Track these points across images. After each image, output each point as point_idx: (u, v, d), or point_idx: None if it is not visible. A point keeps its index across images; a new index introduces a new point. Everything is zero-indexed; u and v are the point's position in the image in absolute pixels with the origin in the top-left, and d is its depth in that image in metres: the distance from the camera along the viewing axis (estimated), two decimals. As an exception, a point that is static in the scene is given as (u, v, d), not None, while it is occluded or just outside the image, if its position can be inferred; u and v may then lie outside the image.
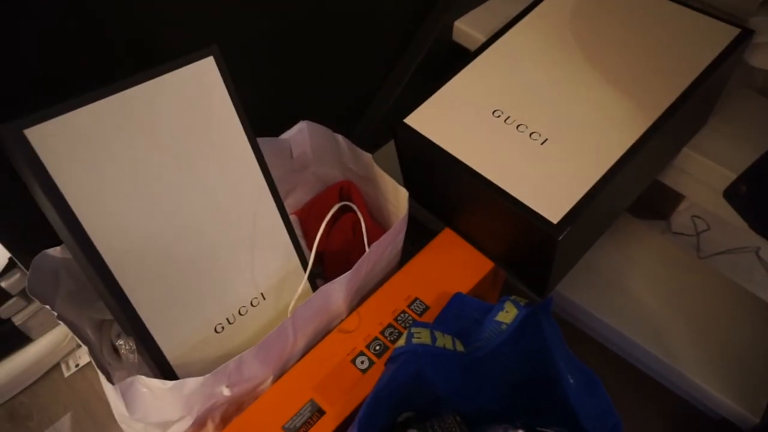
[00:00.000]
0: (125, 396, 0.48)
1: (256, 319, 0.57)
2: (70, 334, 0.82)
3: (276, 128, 0.71)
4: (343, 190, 0.78)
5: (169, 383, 0.47)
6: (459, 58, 0.67)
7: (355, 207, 0.66)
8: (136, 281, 0.47)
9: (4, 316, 0.73)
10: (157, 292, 0.49)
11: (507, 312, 0.60)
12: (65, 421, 0.80)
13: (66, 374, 0.83)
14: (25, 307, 0.75)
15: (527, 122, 0.59)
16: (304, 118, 0.72)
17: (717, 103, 0.73)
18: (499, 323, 0.60)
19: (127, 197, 0.47)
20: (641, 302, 0.77)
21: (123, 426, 0.59)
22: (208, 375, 0.48)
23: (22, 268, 0.69)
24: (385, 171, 0.67)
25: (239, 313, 0.55)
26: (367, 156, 0.68)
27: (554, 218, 0.52)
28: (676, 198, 1.05)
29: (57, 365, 0.84)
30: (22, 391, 0.82)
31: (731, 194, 0.60)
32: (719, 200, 0.68)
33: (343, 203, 0.66)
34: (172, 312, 0.50)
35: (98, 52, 0.52)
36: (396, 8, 0.85)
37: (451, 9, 0.85)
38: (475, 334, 0.61)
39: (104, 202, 0.46)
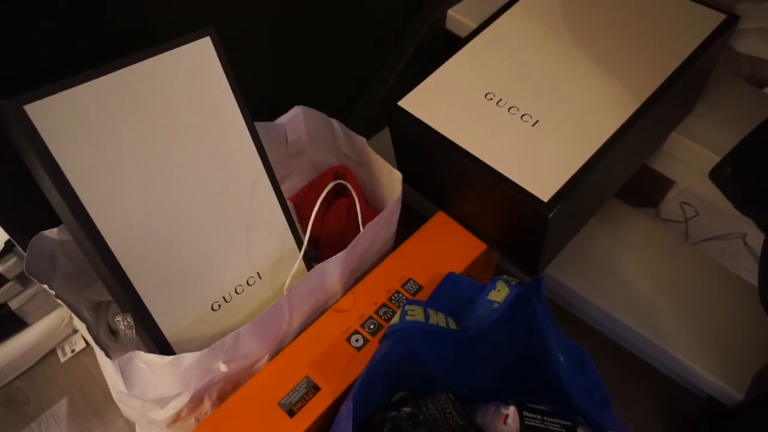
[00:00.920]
0: (123, 371, 0.49)
1: (252, 297, 0.57)
2: (66, 319, 0.83)
3: (272, 116, 0.72)
4: (338, 175, 0.79)
5: (167, 358, 0.48)
6: (452, 45, 0.68)
7: (349, 185, 0.67)
8: (134, 257, 0.48)
9: (1, 301, 0.74)
10: (155, 268, 0.50)
11: (499, 291, 0.61)
12: (62, 405, 0.80)
13: (62, 359, 0.84)
14: (22, 291, 0.75)
15: (519, 104, 0.60)
16: (300, 103, 0.72)
17: (704, 89, 0.75)
18: (491, 302, 0.61)
19: (126, 174, 0.48)
20: (631, 285, 0.78)
21: (121, 405, 0.60)
22: (205, 350, 0.49)
23: (20, 250, 0.70)
24: (380, 156, 0.68)
25: (236, 291, 0.56)
26: (361, 140, 0.69)
27: (545, 196, 0.53)
28: (665, 185, 1.06)
29: (53, 351, 0.85)
30: (18, 377, 0.82)
31: (717, 175, 0.61)
32: (707, 184, 0.70)
33: (337, 182, 0.66)
34: (169, 289, 0.51)
35: (98, 33, 0.53)
36: (390, -4, 0.86)
37: (444, -3, 0.86)
38: (468, 313, 0.62)
39: (104, 179, 0.46)
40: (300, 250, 0.61)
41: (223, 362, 0.52)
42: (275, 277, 0.59)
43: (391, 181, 0.68)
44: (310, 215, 0.80)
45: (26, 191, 0.53)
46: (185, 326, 0.53)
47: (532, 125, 0.59)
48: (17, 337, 0.79)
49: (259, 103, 0.69)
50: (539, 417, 0.61)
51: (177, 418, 0.56)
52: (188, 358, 0.49)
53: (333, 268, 0.58)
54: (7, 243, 0.71)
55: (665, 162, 0.77)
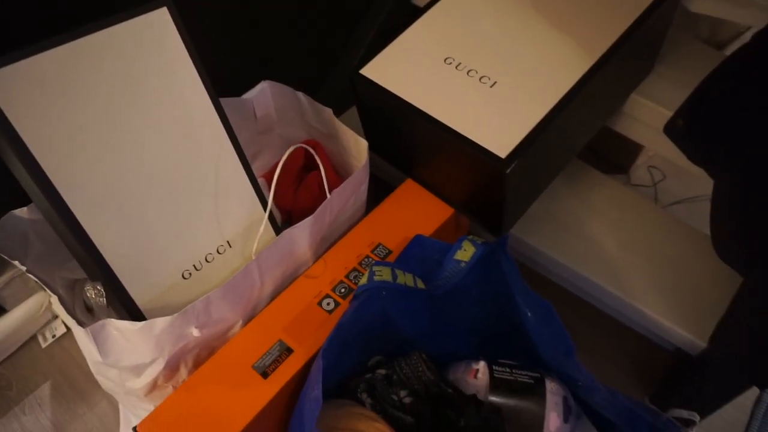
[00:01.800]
0: (97, 339, 0.50)
1: (223, 266, 0.59)
2: (45, 304, 0.83)
3: (241, 93, 0.72)
4: (308, 151, 0.80)
5: (139, 324, 0.49)
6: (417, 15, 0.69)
7: (316, 156, 0.68)
8: (101, 226, 0.49)
9: (-23, 287, 0.74)
10: (123, 237, 0.51)
11: (465, 250, 0.63)
12: (45, 389, 0.81)
13: (43, 345, 0.85)
14: (-2, 277, 0.76)
15: (477, 67, 0.61)
16: (271, 79, 0.73)
17: (663, 51, 0.77)
18: (458, 261, 0.63)
19: (87, 143, 0.48)
20: (600, 245, 0.80)
21: (99, 378, 0.61)
22: (176, 315, 0.50)
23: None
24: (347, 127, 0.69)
25: (206, 260, 0.57)
26: (328, 111, 0.70)
27: (502, 153, 0.55)
28: (633, 151, 1.09)
29: (34, 337, 0.85)
30: (0, 363, 0.83)
31: (670, 129, 0.63)
32: (668, 143, 0.72)
33: (298, 146, 0.67)
34: (138, 257, 0.52)
35: (54, 3, 0.53)
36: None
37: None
38: (436, 273, 0.64)
39: (65, 147, 0.47)
40: (270, 218, 0.62)
41: (196, 327, 0.53)
42: (245, 246, 0.60)
43: (358, 150, 0.69)
44: (283, 191, 0.82)
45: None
46: (157, 294, 0.54)
47: (490, 87, 0.60)
48: (-4, 324, 0.79)
49: (227, 79, 0.70)
50: (508, 370, 0.63)
51: (154, 386, 0.57)
52: (160, 323, 0.50)
53: (301, 234, 0.59)
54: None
55: (627, 123, 0.79)
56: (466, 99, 0.60)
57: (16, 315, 0.80)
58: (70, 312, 0.54)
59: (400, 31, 0.66)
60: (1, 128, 0.44)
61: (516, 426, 0.60)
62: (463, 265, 0.63)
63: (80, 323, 0.62)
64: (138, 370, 0.54)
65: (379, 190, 0.72)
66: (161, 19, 0.51)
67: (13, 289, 0.78)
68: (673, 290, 0.75)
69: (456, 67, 0.62)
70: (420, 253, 0.65)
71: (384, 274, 0.58)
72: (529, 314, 0.64)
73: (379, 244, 0.66)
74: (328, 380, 0.60)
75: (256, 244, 0.59)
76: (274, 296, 0.61)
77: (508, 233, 0.65)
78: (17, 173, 0.50)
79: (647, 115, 0.75)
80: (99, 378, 0.60)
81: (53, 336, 0.85)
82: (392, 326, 0.66)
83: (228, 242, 0.59)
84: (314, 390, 0.50)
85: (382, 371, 0.65)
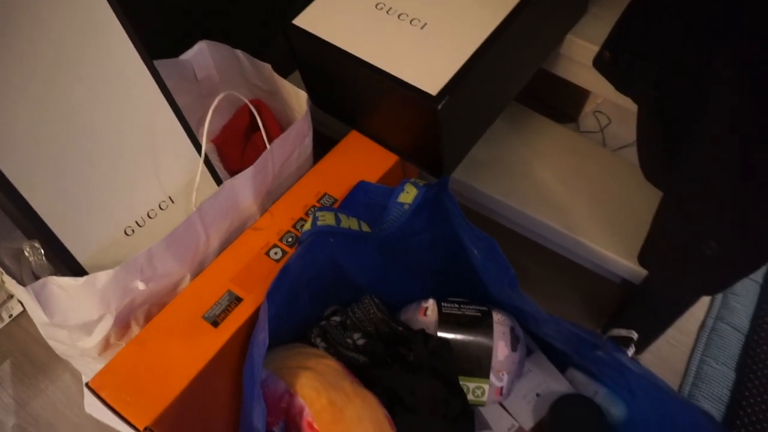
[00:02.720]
0: (39, 298, 0.50)
1: (166, 222, 0.59)
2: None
3: (176, 52, 0.72)
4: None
5: (81, 279, 0.49)
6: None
7: (255, 112, 0.68)
8: (31, 181, 0.48)
9: (-77, 268, 0.73)
10: (58, 194, 0.50)
11: (407, 192, 0.64)
12: (5, 368, 0.81)
13: (0, 326, 0.84)
14: (-56, 257, 0.75)
15: (407, 10, 0.62)
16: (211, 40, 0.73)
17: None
18: (401, 204, 0.64)
19: (11, 100, 0.48)
20: (546, 186, 0.83)
21: (51, 342, 0.61)
22: (118, 267, 0.50)
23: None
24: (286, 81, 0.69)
25: (148, 216, 0.57)
26: (267, 66, 0.70)
27: (433, 90, 0.56)
28: (581, 100, 1.11)
29: (-10, 318, 0.84)
30: (-43, 346, 0.82)
31: (598, 62, 0.65)
32: (606, 82, 0.74)
33: (245, 102, 0.67)
34: (75, 213, 0.52)
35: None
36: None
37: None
38: (381, 218, 0.65)
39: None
40: (211, 174, 0.62)
41: (141, 281, 0.53)
42: (188, 201, 0.61)
43: (299, 103, 0.70)
44: (232, 155, 0.82)
45: None
46: (98, 251, 0.54)
47: (421, 28, 0.61)
48: (-52, 306, 0.78)
49: (168, 42, 0.69)
50: (456, 305, 0.65)
51: (107, 345, 0.58)
52: (102, 277, 0.50)
53: (244, 185, 0.60)
54: None
55: (565, 65, 0.80)
56: (398, 42, 0.60)
57: (-32, 296, 0.80)
58: (8, 269, 0.54)
59: (331, -20, 0.66)
60: None
61: (466, 358, 0.62)
62: (406, 207, 0.64)
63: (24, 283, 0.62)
64: (87, 328, 0.55)
65: (327, 148, 0.73)
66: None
67: (-39, 270, 0.77)
68: (617, 223, 0.78)
69: (387, 12, 0.63)
70: (365, 200, 0.66)
71: (327, 218, 0.59)
72: (475, 252, 0.66)
73: (325, 194, 0.66)
74: (281, 328, 0.62)
75: (194, 194, 0.59)
76: (221, 250, 0.62)
77: (449, 175, 0.66)
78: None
79: (583, 56, 0.76)
80: (51, 342, 0.60)
81: (10, 316, 0.84)
82: (343, 275, 0.67)
83: (170, 198, 0.59)
84: (261, 333, 0.51)
85: (336, 318, 0.67)
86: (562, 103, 1.10)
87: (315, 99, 0.74)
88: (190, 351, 0.54)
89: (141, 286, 0.53)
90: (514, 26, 0.60)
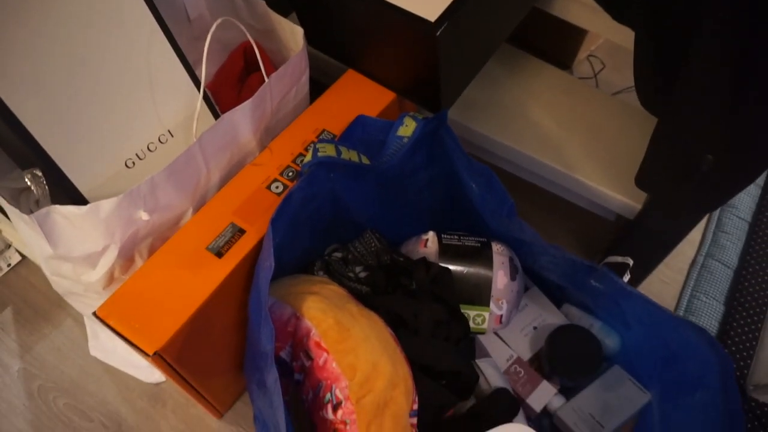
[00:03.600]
0: (43, 227, 0.50)
1: (167, 155, 0.59)
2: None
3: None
4: (247, 52, 0.79)
5: (85, 207, 0.49)
6: None
7: (257, 52, 0.68)
8: (31, 110, 0.48)
9: None
10: (56, 122, 0.50)
11: (406, 126, 0.64)
12: (7, 314, 0.81)
13: (-1, 274, 0.84)
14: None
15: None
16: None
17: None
18: (401, 137, 0.64)
19: (11, 31, 0.47)
20: (541, 125, 0.83)
21: (54, 279, 0.61)
22: (121, 195, 0.50)
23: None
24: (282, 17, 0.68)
25: (148, 149, 0.57)
26: (261, 4, 0.69)
27: (431, 17, 0.55)
28: (575, 46, 1.11)
29: (-12, 268, 0.84)
30: (-44, 295, 0.82)
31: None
32: (600, 20, 0.74)
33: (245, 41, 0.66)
34: (75, 143, 0.51)
35: None
36: None
37: None
38: (381, 152, 0.65)
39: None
40: (210, 108, 0.62)
41: (144, 210, 0.53)
42: (188, 135, 0.60)
43: (295, 41, 0.69)
44: (227, 99, 0.81)
45: None
46: (100, 183, 0.54)
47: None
48: (-54, 253, 0.78)
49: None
50: (456, 237, 0.66)
51: (111, 278, 0.58)
52: (106, 205, 0.50)
53: (242, 118, 0.59)
54: None
55: (559, 3, 0.80)
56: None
57: (-34, 244, 0.79)
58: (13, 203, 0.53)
59: None
60: None
61: (466, 288, 0.64)
62: (405, 140, 0.64)
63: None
64: (91, 260, 0.55)
65: (318, 91, 0.73)
66: None
67: (-42, 217, 0.76)
68: (611, 160, 0.79)
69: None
70: (363, 134, 0.66)
71: (328, 150, 0.59)
72: (473, 185, 0.67)
73: (324, 130, 0.66)
74: (284, 262, 0.62)
75: (195, 125, 0.59)
76: (222, 185, 0.62)
77: (448, 108, 0.66)
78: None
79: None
80: (54, 279, 0.61)
81: (8, 265, 0.84)
82: (344, 210, 0.68)
83: (169, 131, 0.59)
84: (267, 260, 0.52)
85: (338, 254, 0.67)
86: (556, 50, 1.10)
87: (311, 38, 0.73)
88: (196, 280, 0.55)
89: (144, 216, 0.54)
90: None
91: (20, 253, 0.85)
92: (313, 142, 0.65)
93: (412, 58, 0.62)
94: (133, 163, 0.56)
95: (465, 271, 0.63)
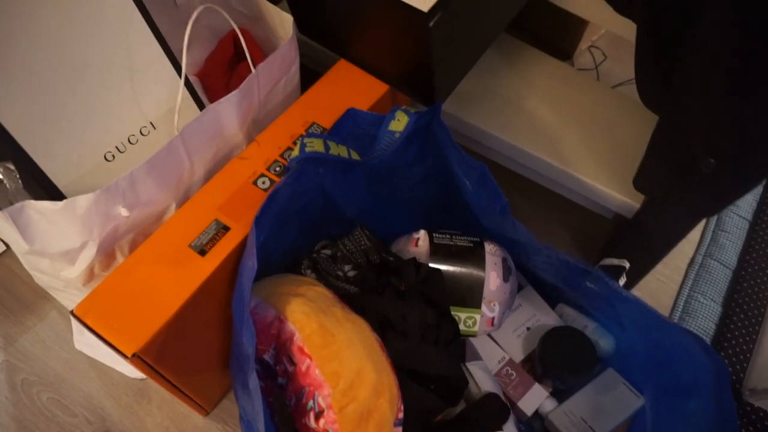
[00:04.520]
0: (17, 222, 0.48)
1: (148, 148, 0.57)
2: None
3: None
4: (236, 40, 0.76)
5: (60, 203, 0.47)
6: None
7: (244, 43, 0.65)
8: (3, 101, 0.46)
9: None
10: (30, 112, 0.48)
11: (398, 120, 0.62)
12: (-10, 304, 0.79)
13: (-18, 264, 0.82)
14: None
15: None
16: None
17: None
18: (393, 132, 0.62)
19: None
20: (538, 119, 0.81)
21: (34, 273, 0.59)
22: (99, 191, 0.48)
23: None
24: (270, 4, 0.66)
25: (129, 141, 0.55)
26: (250, -12, 0.66)
27: (425, 6, 0.53)
28: (576, 36, 1.08)
29: (-29, 258, 0.82)
30: (-61, 285, 0.80)
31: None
32: (603, 12, 0.71)
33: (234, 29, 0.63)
34: (50, 135, 0.49)
35: None
36: None
37: None
38: (371, 147, 0.63)
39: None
40: (194, 99, 0.60)
41: (123, 206, 0.52)
42: (170, 128, 0.58)
43: (285, 29, 0.67)
44: (216, 88, 0.79)
45: None
46: (78, 176, 0.52)
47: (413, -57, 0.57)
48: (-74, 243, 0.76)
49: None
50: (448, 236, 0.64)
51: (91, 275, 0.57)
52: (82, 201, 0.48)
53: (228, 111, 0.57)
54: None
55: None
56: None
57: (-52, 233, 0.77)
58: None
59: None
60: None
61: (458, 289, 0.62)
62: (397, 135, 0.62)
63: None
64: (70, 256, 0.53)
65: (309, 79, 0.70)
66: None
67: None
68: (610, 157, 0.77)
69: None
70: (354, 128, 0.64)
71: (316, 145, 0.57)
72: (467, 182, 0.65)
73: (314, 123, 0.64)
74: (270, 260, 0.61)
75: (176, 116, 0.57)
76: (207, 179, 0.60)
77: (441, 101, 0.64)
78: None
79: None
80: (34, 274, 0.59)
81: (-8, 255, 0.83)
82: (333, 206, 0.66)
83: (151, 123, 0.56)
84: (250, 259, 0.50)
85: (327, 252, 0.66)
86: (557, 40, 1.07)
87: (302, 26, 0.71)
88: (178, 279, 0.53)
89: (124, 212, 0.52)
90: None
91: (4, 243, 0.83)
92: (301, 135, 0.63)
93: (404, 49, 0.60)
94: (113, 156, 0.54)
95: (456, 272, 0.61)
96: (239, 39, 0.76)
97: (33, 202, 0.47)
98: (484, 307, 0.61)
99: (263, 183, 0.59)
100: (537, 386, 0.64)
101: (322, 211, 0.65)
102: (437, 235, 0.64)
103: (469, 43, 0.65)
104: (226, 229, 0.56)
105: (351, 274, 0.62)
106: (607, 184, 0.75)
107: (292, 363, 0.47)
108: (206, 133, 0.56)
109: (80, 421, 0.71)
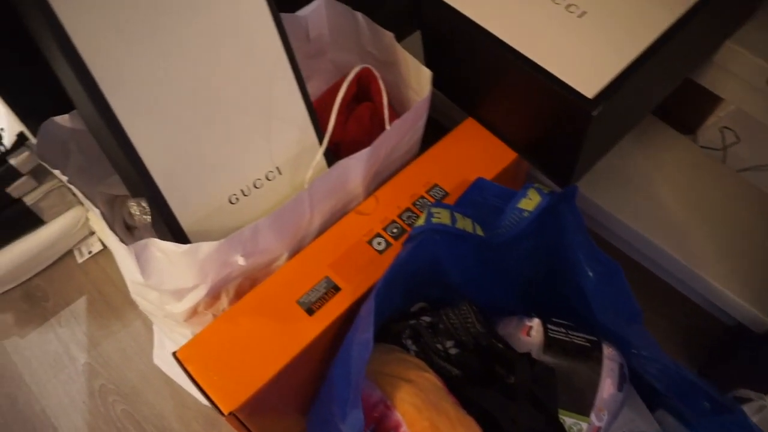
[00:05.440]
0: (139, 258, 0.47)
1: (271, 193, 0.55)
2: (82, 220, 0.82)
3: (292, 6, 0.67)
4: (362, 78, 0.74)
5: (184, 246, 0.46)
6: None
7: (380, 82, 0.63)
8: (147, 137, 0.45)
9: (15, 195, 0.73)
10: (171, 153, 0.47)
11: (530, 199, 0.58)
12: (80, 303, 0.81)
13: (79, 260, 0.84)
14: (36, 187, 0.74)
15: (565, -6, 0.55)
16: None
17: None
18: (521, 210, 0.58)
19: (141, 52, 0.44)
20: (664, 205, 0.75)
21: (137, 299, 0.59)
22: (222, 240, 0.47)
23: (33, 144, 0.67)
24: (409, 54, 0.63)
25: (254, 185, 0.54)
26: (389, 35, 0.64)
27: (589, 93, 0.49)
28: (704, 110, 1.00)
29: (70, 252, 0.84)
30: (36, 275, 0.83)
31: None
32: (760, 101, 0.65)
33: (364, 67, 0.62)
34: (185, 175, 0.48)
35: None
36: None
37: None
38: (495, 221, 0.59)
39: (116, 54, 0.43)
40: (321, 146, 0.58)
41: (241, 255, 0.50)
42: (295, 174, 0.56)
43: (419, 81, 0.64)
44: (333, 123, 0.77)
45: (40, 76, 0.50)
46: (202, 217, 0.51)
47: (578, 16, 0.53)
48: (34, 234, 0.78)
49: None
50: (563, 330, 0.60)
51: (194, 312, 0.56)
52: (205, 248, 0.47)
53: (356, 166, 0.55)
54: (20, 136, 0.69)
55: (715, 75, 0.71)
56: (550, 28, 0.53)
57: (54, 228, 0.79)
58: (111, 225, 0.51)
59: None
60: (50, 26, 0.40)
61: (567, 389, 0.57)
62: (525, 214, 0.58)
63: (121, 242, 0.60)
64: (179, 294, 0.52)
65: (431, 129, 0.67)
66: None
67: (51, 201, 0.76)
68: (742, 260, 0.70)
69: (541, -7, 0.55)
70: (478, 197, 0.60)
71: (443, 216, 0.54)
72: (590, 273, 0.60)
73: (435, 185, 0.61)
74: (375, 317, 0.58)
75: (310, 172, 0.55)
76: (321, 230, 0.58)
77: (576, 184, 0.59)
78: (62, 75, 0.47)
79: (741, 67, 0.67)
80: (137, 298, 0.59)
81: (89, 252, 0.84)
82: (441, 272, 0.62)
83: (278, 168, 0.55)
84: (365, 333, 0.47)
85: (427, 318, 0.62)
86: (683, 112, 0.99)
87: (434, 77, 0.68)
88: (282, 337, 0.51)
89: (241, 261, 0.50)
90: (689, 28, 0.52)
91: (102, 242, 0.84)
92: (422, 196, 0.60)
93: (552, 126, 0.56)
94: (237, 199, 0.53)
95: (569, 372, 0.56)
96: (365, 79, 0.74)
97: (158, 241, 0.46)
98: (593, 416, 0.56)
99: (378, 244, 0.57)
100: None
101: (428, 274, 0.62)
102: (552, 328, 0.59)
103: (618, 127, 0.60)
104: (336, 289, 0.54)
105: (453, 351, 0.58)
106: (734, 289, 0.68)
107: (395, 457, 0.44)
108: (331, 187, 0.54)
109: (149, 440, 0.71)
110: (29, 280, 0.82)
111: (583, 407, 0.56)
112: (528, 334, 0.59)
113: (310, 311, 0.52)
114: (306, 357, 0.51)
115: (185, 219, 0.49)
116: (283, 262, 0.56)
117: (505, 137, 0.64)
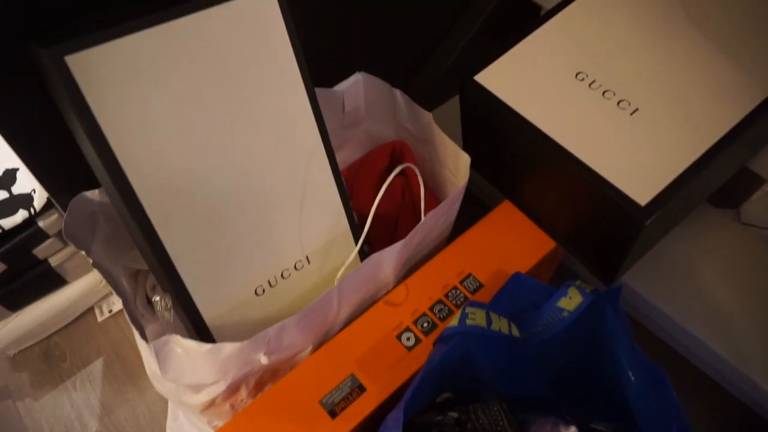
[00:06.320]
0: (158, 355, 0.45)
1: (298, 283, 0.53)
2: (104, 281, 0.81)
3: (328, 79, 0.65)
4: (396, 151, 0.72)
5: (206, 346, 0.44)
6: (530, 13, 0.60)
7: (414, 168, 0.61)
8: (176, 232, 0.43)
9: (41, 257, 0.72)
10: (198, 246, 0.45)
11: (571, 299, 0.54)
12: (97, 365, 0.79)
13: (99, 319, 0.82)
14: (62, 249, 0.73)
15: (615, 88, 0.52)
16: (359, 69, 0.66)
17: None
18: (561, 310, 0.55)
19: (171, 136, 0.43)
20: (711, 297, 0.70)
21: (154, 382, 0.57)
22: (246, 341, 0.44)
23: (60, 210, 0.67)
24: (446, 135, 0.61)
25: (282, 276, 0.51)
26: (427, 115, 0.62)
27: (642, 200, 0.46)
28: (750, 186, 0.96)
29: (91, 309, 0.83)
30: (56, 332, 0.81)
31: None
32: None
33: (394, 163, 0.60)
34: (212, 270, 0.46)
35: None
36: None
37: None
38: (532, 318, 0.56)
39: (146, 139, 0.41)
40: (353, 232, 0.55)
41: (265, 354, 0.48)
42: (324, 263, 0.54)
43: (456, 163, 0.62)
44: (361, 191, 0.75)
45: (69, 148, 0.49)
46: (226, 310, 0.49)
47: (630, 114, 0.51)
48: (56, 294, 0.77)
49: (316, 66, 0.63)
50: (603, 441, 0.55)
51: (211, 404, 0.53)
52: (228, 348, 0.44)
53: (388, 259, 0.52)
54: (50, 198, 0.68)
55: (765, 160, 0.67)
56: (600, 125, 0.51)
57: (76, 288, 0.78)
58: (132, 312, 0.49)
59: (524, 33, 0.57)
60: (79, 113, 0.39)
61: (605, 507, 0.52)
62: (565, 314, 0.55)
63: (140, 318, 0.58)
64: (197, 388, 0.50)
65: (465, 200, 0.64)
66: (266, 2, 0.44)
67: (75, 262, 0.75)
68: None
69: (589, 85, 0.53)
70: (515, 292, 0.57)
71: (478, 317, 0.51)
72: (632, 377, 0.56)
73: (470, 275, 0.58)
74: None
75: (342, 270, 0.53)
76: (348, 321, 0.55)
77: (620, 283, 0.56)
78: (91, 160, 0.46)
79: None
80: (154, 382, 0.56)
81: (110, 311, 0.83)
82: (471, 366, 0.59)
83: (307, 257, 0.53)
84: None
85: (454, 414, 0.58)
86: (727, 189, 0.95)
87: (471, 157, 0.66)
88: (302, 441, 0.48)
89: (264, 360, 0.48)
90: (750, 130, 0.49)
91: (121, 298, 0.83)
92: (455, 287, 0.57)
93: (599, 226, 0.53)
94: (263, 290, 0.50)
95: (608, 490, 0.52)
96: (398, 152, 0.72)
97: (179, 338, 0.43)
98: None
99: (408, 339, 0.54)
100: None
101: (458, 369, 0.59)
102: (590, 438, 0.55)
103: (668, 226, 0.57)
104: (362, 389, 0.51)
105: (481, 457, 0.54)
106: (792, 396, 0.63)
107: None
108: (361, 281, 0.52)
109: None
110: (48, 337, 0.81)
111: None
112: (565, 445, 0.55)
113: (332, 413, 0.49)
114: (326, 464, 0.48)
115: (209, 314, 0.47)
116: (306, 354, 0.53)
117: (543, 225, 0.61)
